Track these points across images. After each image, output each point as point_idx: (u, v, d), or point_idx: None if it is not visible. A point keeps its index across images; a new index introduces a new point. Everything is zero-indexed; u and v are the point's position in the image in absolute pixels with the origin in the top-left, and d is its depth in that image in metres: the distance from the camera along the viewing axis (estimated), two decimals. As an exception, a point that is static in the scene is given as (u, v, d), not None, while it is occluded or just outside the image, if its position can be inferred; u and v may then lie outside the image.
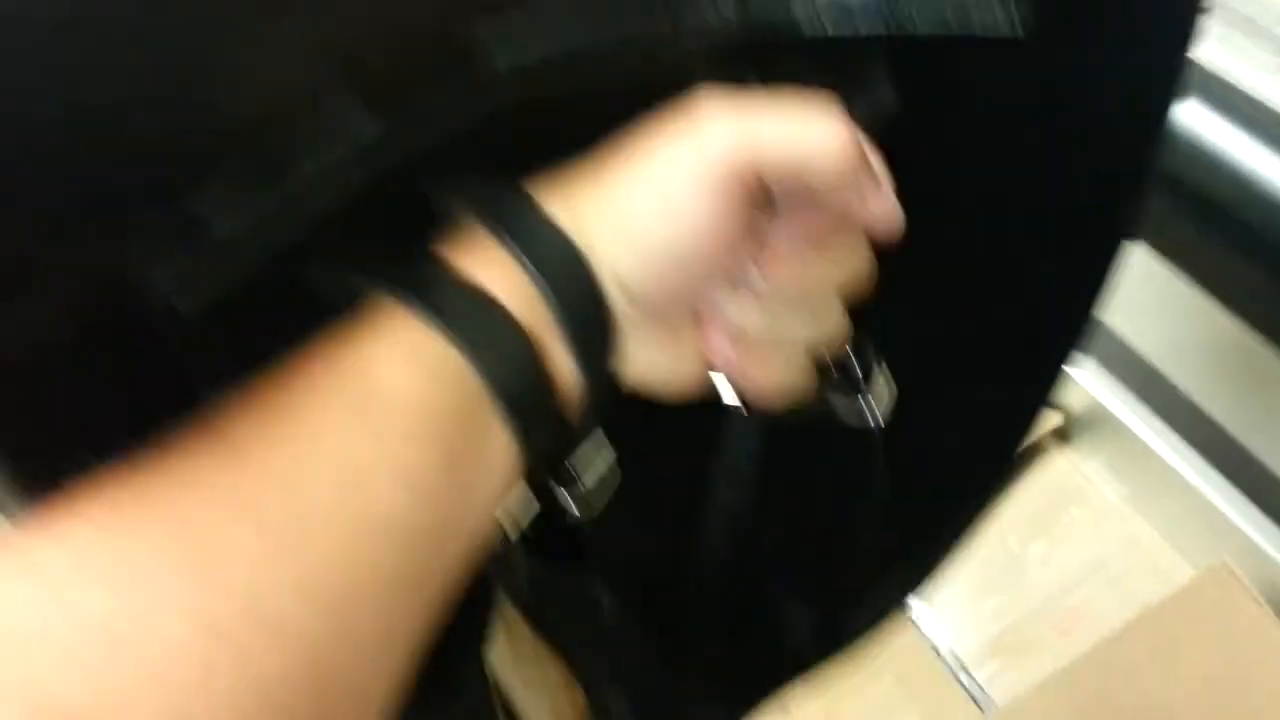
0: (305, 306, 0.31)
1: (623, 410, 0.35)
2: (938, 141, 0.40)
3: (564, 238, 0.30)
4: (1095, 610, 1.09)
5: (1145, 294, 0.95)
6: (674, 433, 0.42)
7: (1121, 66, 0.39)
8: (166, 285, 0.29)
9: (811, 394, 0.36)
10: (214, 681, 0.22)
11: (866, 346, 0.38)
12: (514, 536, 0.38)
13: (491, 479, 0.29)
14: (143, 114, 0.27)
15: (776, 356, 0.34)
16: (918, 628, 1.12)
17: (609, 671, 0.56)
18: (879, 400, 0.39)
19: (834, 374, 0.38)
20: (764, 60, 0.35)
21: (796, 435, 0.41)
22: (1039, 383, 0.50)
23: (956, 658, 1.10)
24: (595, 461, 0.37)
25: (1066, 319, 0.47)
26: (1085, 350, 0.77)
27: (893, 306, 0.37)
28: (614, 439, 0.38)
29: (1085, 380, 1.15)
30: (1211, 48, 0.74)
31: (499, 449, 0.29)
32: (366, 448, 0.26)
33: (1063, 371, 0.49)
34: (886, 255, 0.35)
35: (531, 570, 0.48)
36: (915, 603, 1.09)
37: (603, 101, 0.36)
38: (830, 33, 0.34)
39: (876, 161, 0.32)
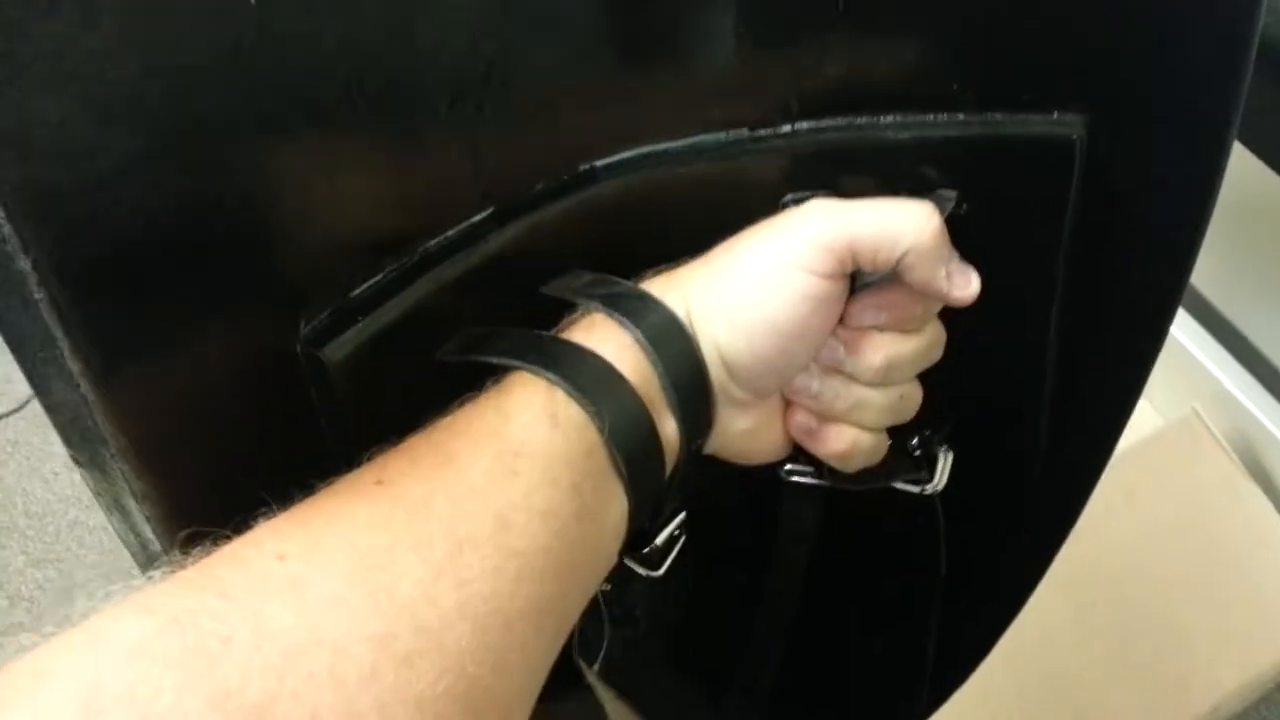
0: (436, 371, 0.35)
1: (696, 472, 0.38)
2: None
3: (672, 317, 0.34)
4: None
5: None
6: (738, 496, 0.45)
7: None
8: (315, 341, 0.33)
9: (880, 462, 0.40)
10: (379, 684, 0.25)
11: (929, 416, 0.42)
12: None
13: (609, 525, 0.32)
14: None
15: (853, 429, 0.38)
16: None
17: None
18: (939, 468, 0.42)
19: (902, 443, 0.41)
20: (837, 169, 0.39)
21: (854, 505, 0.44)
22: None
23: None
24: (668, 519, 0.40)
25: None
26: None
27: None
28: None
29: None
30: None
31: (616, 500, 0.32)
32: (511, 490, 0.29)
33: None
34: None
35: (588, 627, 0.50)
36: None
37: (688, 200, 0.40)
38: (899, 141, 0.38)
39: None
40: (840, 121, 0.39)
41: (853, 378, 0.37)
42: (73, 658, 0.23)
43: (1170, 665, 0.96)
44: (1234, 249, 1.02)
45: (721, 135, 0.40)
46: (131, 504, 0.30)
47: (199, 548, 0.28)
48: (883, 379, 0.37)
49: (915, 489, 0.42)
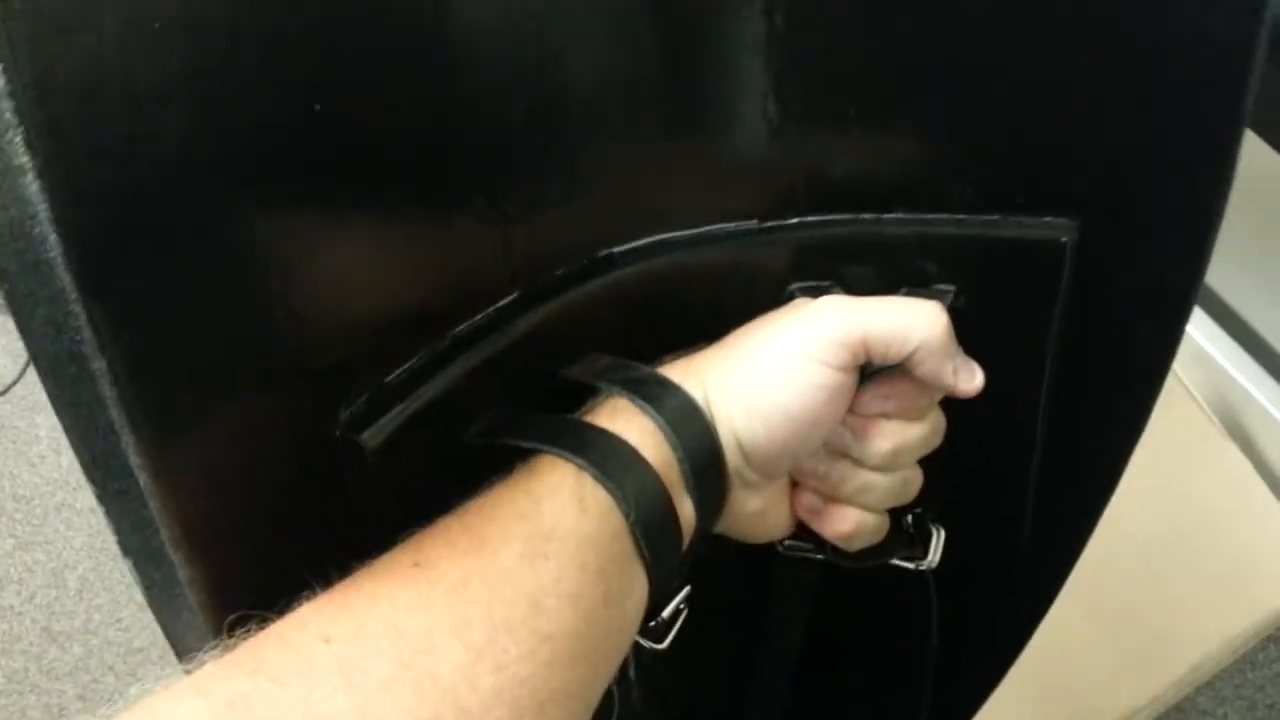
0: (465, 452, 0.36)
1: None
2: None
3: (691, 402, 0.36)
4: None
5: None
6: (737, 573, 0.47)
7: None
8: (354, 426, 0.34)
9: (880, 542, 0.42)
10: None
11: (922, 494, 0.44)
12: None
13: (631, 608, 0.34)
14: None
15: (858, 510, 0.40)
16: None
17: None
18: (934, 546, 0.44)
19: (897, 520, 0.43)
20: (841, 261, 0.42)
21: (847, 575, 0.46)
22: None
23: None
24: (674, 593, 0.42)
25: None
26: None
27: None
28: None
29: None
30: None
31: (639, 582, 0.34)
32: (542, 574, 0.31)
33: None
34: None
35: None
36: None
37: (700, 285, 0.42)
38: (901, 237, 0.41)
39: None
40: (845, 216, 0.42)
41: (860, 462, 0.39)
42: None
43: (1150, 625, 0.96)
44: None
45: (732, 225, 0.42)
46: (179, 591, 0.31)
47: (243, 629, 0.29)
48: (889, 464, 0.39)
49: (910, 565, 0.44)
